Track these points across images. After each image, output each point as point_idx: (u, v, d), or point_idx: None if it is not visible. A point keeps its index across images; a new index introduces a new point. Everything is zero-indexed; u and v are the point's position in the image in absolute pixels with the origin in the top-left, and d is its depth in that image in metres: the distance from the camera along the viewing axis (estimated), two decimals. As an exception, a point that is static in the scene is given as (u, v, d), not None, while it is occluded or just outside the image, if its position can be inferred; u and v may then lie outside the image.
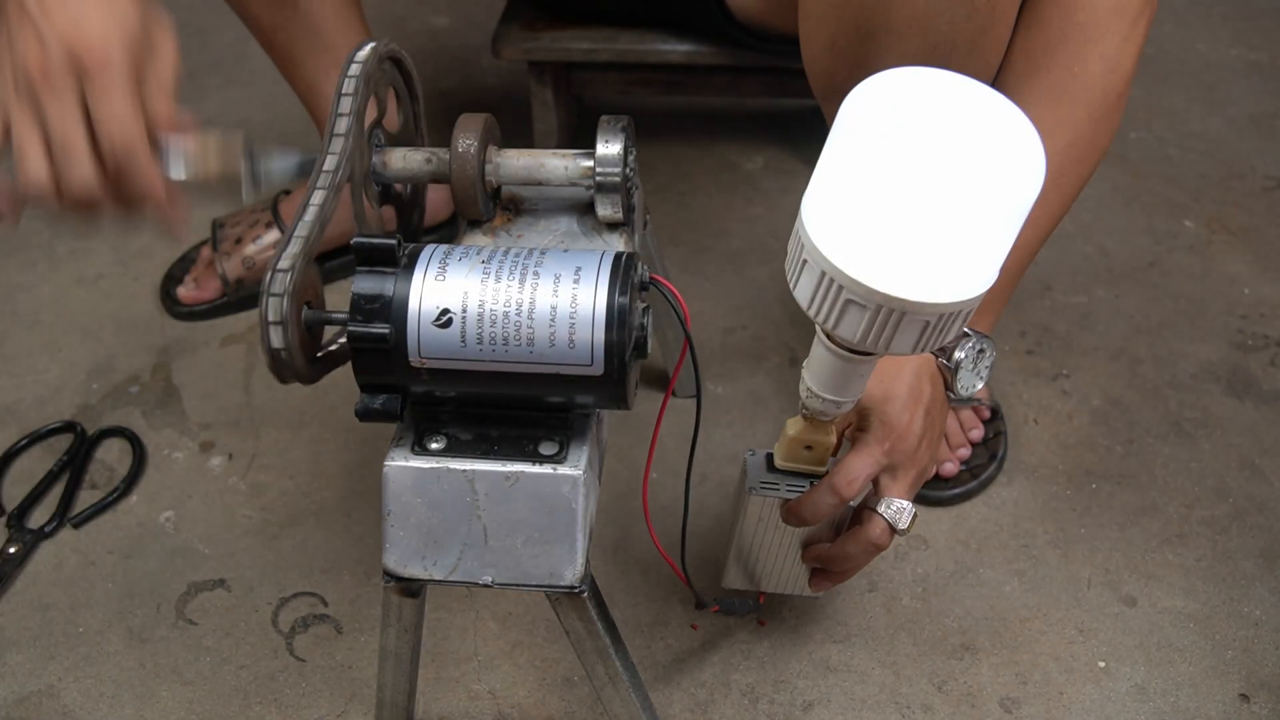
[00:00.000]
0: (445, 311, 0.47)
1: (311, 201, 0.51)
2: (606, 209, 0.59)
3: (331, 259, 1.07)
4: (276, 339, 0.48)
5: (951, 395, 0.69)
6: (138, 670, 0.74)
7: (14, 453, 0.90)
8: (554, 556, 0.51)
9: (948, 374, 0.68)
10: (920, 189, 0.41)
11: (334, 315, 0.51)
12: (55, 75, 0.48)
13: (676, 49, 1.07)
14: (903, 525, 0.62)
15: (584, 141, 1.06)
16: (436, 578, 0.52)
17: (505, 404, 0.51)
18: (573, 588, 0.51)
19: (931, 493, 0.84)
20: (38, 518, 0.84)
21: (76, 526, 0.84)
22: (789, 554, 0.68)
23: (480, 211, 0.60)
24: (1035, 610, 0.77)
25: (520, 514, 0.50)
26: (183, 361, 0.99)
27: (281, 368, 0.49)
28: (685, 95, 1.20)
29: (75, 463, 0.88)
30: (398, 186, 0.63)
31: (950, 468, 0.85)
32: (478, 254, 0.49)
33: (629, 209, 0.60)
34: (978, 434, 0.87)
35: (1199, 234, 1.13)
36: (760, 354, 0.99)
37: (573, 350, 0.47)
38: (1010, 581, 0.79)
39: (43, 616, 0.78)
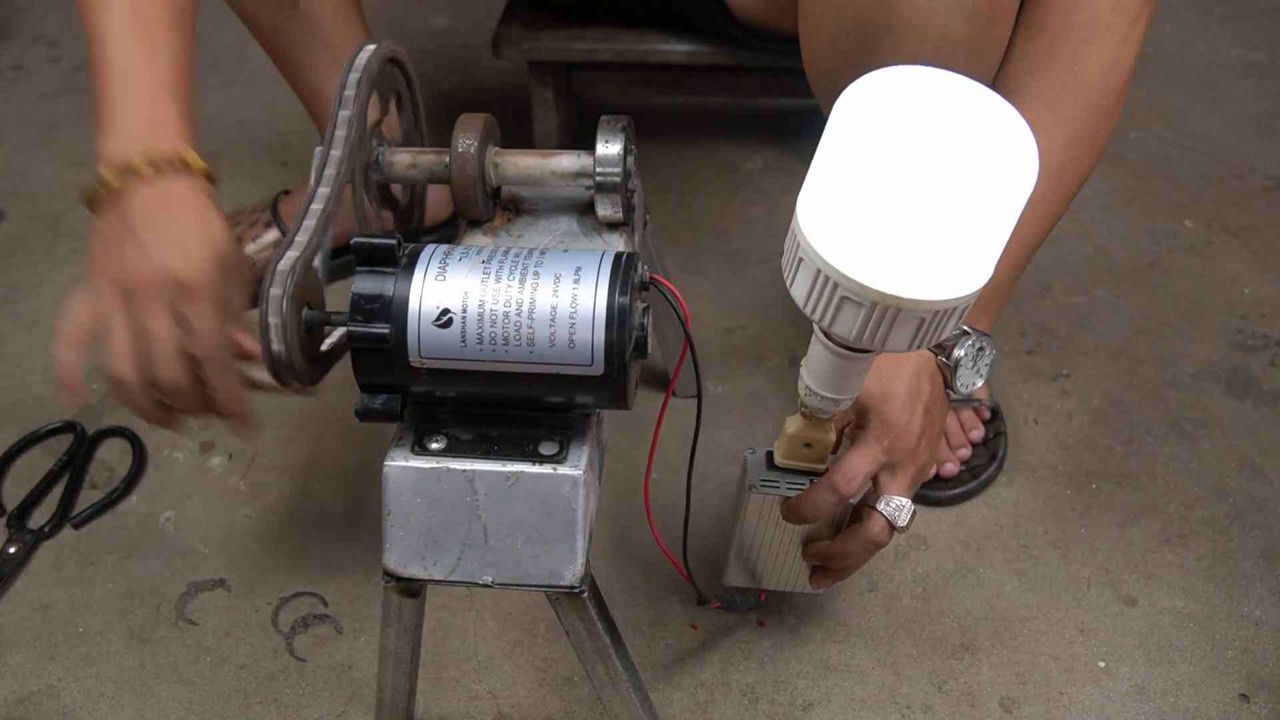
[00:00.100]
0: (445, 311, 0.47)
1: (313, 205, 0.51)
2: (606, 209, 0.59)
3: (332, 259, 1.07)
4: (276, 340, 0.48)
5: (951, 393, 0.70)
6: (138, 670, 0.74)
7: (14, 453, 0.90)
8: (554, 556, 0.51)
9: (947, 372, 0.69)
10: (914, 186, 0.42)
11: (334, 315, 0.51)
12: (157, 290, 0.55)
13: (676, 49, 1.07)
14: (902, 523, 0.62)
15: (584, 141, 1.06)
16: (436, 578, 0.52)
17: (505, 404, 0.51)
18: (573, 588, 0.51)
19: (932, 493, 0.84)
20: (38, 518, 0.84)
21: (76, 526, 0.84)
22: (789, 551, 0.68)
23: (480, 211, 0.60)
24: (1035, 610, 0.77)
25: (520, 514, 0.50)
26: (183, 361, 0.99)
27: (281, 368, 0.49)
28: (685, 95, 1.20)
29: (75, 463, 0.88)
30: (397, 187, 0.63)
31: (950, 468, 0.85)
32: (478, 254, 0.49)
33: (629, 209, 0.60)
34: (978, 434, 0.87)
35: (1199, 234, 1.13)
36: (760, 354, 0.99)
37: (573, 350, 0.47)
38: (1010, 581, 0.79)
39: (43, 616, 0.78)
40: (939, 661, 0.74)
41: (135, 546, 0.82)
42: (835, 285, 0.45)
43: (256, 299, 0.50)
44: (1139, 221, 1.15)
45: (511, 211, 0.62)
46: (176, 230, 0.56)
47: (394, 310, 0.48)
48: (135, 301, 0.55)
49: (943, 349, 0.67)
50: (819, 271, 0.45)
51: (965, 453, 0.86)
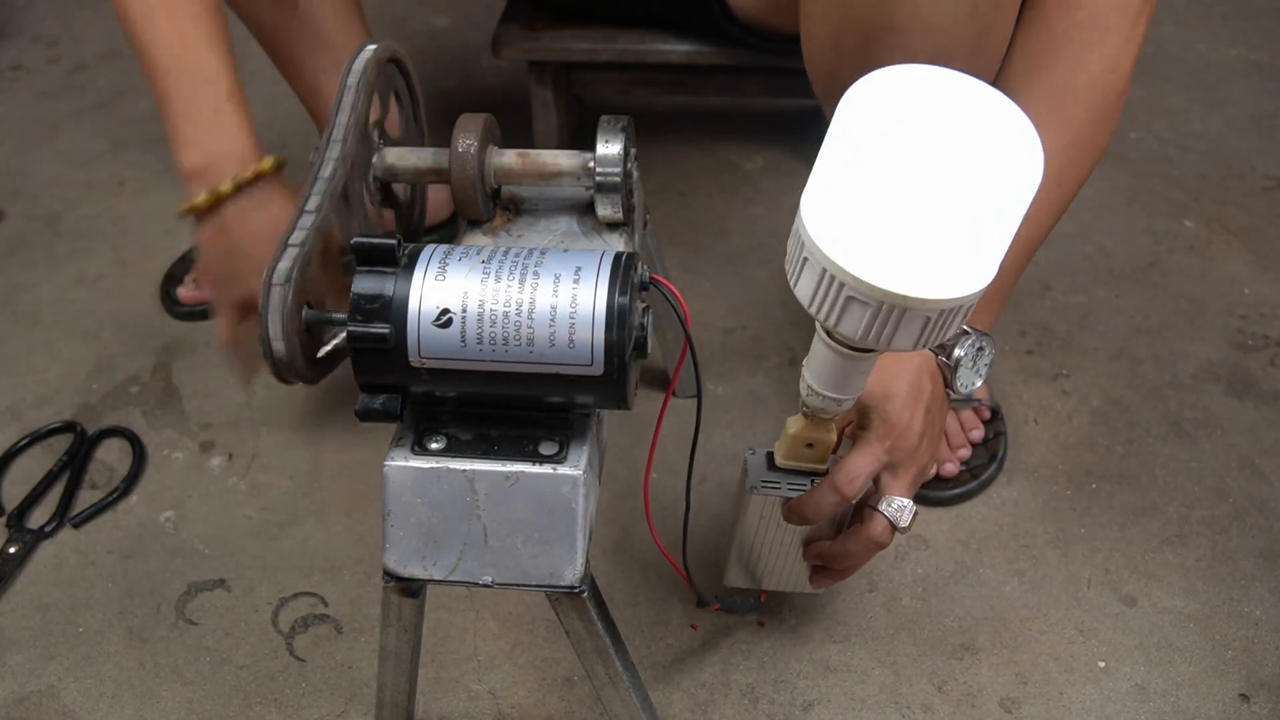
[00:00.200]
0: (445, 311, 0.47)
1: (308, 206, 0.51)
2: (606, 209, 0.59)
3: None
4: (277, 340, 0.48)
5: (951, 393, 0.70)
6: (138, 670, 0.74)
7: (14, 453, 0.90)
8: (554, 556, 0.51)
9: (947, 371, 0.68)
10: (920, 185, 0.41)
11: (334, 315, 0.51)
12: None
13: (676, 49, 1.07)
14: (904, 523, 0.62)
15: (584, 141, 1.06)
16: (436, 578, 0.52)
17: (505, 404, 0.51)
18: (573, 588, 0.51)
19: (932, 493, 0.84)
20: (38, 518, 0.84)
21: (76, 526, 0.84)
22: (790, 552, 0.68)
23: (480, 211, 0.60)
24: (1035, 610, 0.77)
25: (520, 514, 0.50)
26: (183, 361, 0.99)
27: (282, 368, 0.49)
28: (685, 95, 1.20)
29: (75, 463, 0.88)
30: (398, 186, 0.63)
31: (950, 468, 0.85)
32: (478, 254, 0.49)
33: (629, 209, 0.60)
34: (978, 434, 0.87)
35: (1199, 234, 1.13)
36: (760, 354, 0.99)
37: (573, 350, 0.47)
38: (1010, 581, 0.79)
39: (43, 616, 0.78)
40: (939, 661, 0.74)
41: (135, 546, 0.82)
42: (841, 285, 0.45)
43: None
44: (1139, 221, 1.15)
45: (511, 211, 0.62)
46: (265, 233, 0.69)
47: (394, 310, 0.48)
48: (246, 276, 0.71)
49: (943, 349, 0.67)
50: (824, 271, 0.45)
51: (965, 453, 0.86)
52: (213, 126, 0.70)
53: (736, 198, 1.18)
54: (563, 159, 0.60)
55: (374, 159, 0.59)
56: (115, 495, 0.85)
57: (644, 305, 0.50)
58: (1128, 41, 0.68)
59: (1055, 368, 0.97)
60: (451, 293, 0.48)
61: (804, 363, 0.56)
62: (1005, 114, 0.44)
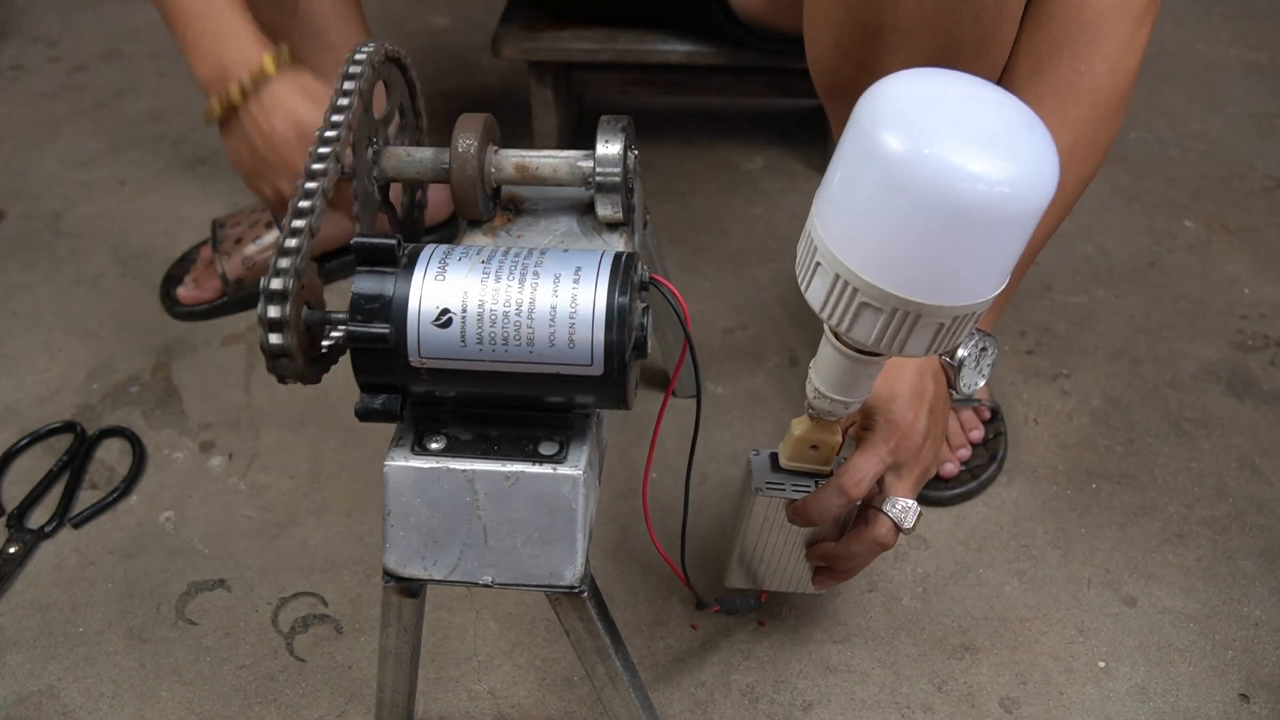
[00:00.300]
0: (445, 311, 0.47)
1: (302, 203, 0.51)
2: (606, 209, 0.59)
3: (331, 259, 1.07)
4: (276, 340, 0.48)
5: (954, 393, 0.69)
6: (138, 670, 0.74)
7: (14, 453, 0.90)
8: (554, 556, 0.51)
9: (950, 372, 0.68)
10: (935, 191, 0.41)
11: (334, 315, 0.51)
12: (286, 173, 0.79)
13: (677, 49, 1.07)
14: (908, 524, 0.62)
15: (584, 141, 1.05)
16: (436, 578, 0.52)
17: (505, 404, 0.51)
18: (573, 588, 0.51)
19: (932, 493, 0.84)
20: (38, 518, 0.84)
21: (76, 526, 0.84)
22: (793, 553, 0.68)
23: (480, 211, 0.60)
24: (1035, 610, 0.77)
25: (520, 514, 0.50)
26: (183, 361, 0.99)
27: (281, 369, 0.49)
28: (685, 95, 1.20)
29: (75, 463, 0.88)
30: (398, 186, 0.63)
31: (950, 468, 0.85)
32: (478, 254, 0.49)
33: (629, 209, 0.60)
34: (978, 434, 0.87)
35: (1199, 234, 1.13)
36: (760, 354, 0.99)
37: (573, 350, 0.47)
38: (1010, 581, 0.79)
39: (43, 616, 0.78)
40: (939, 661, 0.74)
41: (135, 546, 0.82)
42: (854, 290, 0.45)
43: (257, 297, 0.50)
44: (1139, 221, 1.15)
45: (511, 211, 0.62)
46: (280, 136, 0.76)
47: (394, 310, 0.48)
48: (273, 179, 0.78)
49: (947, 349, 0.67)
50: (837, 276, 0.45)
51: (965, 453, 0.86)
52: (218, 36, 0.75)
53: (736, 198, 1.18)
54: (563, 159, 0.60)
55: (374, 158, 0.59)
56: (115, 495, 0.85)
57: (644, 305, 0.50)
58: (1131, 43, 0.68)
59: (1055, 368, 0.97)
60: (451, 293, 0.48)
61: (811, 365, 0.56)
62: (1022, 119, 0.43)
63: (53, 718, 0.71)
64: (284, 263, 0.48)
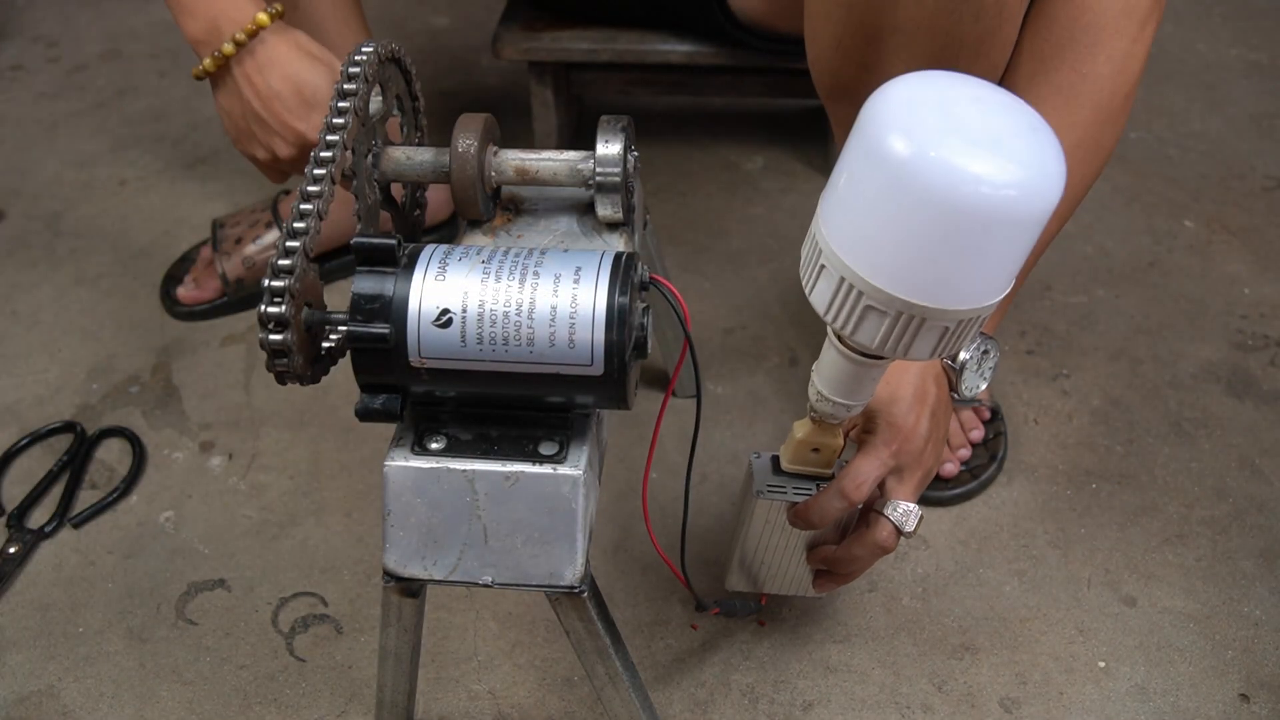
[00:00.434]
0: (445, 311, 0.47)
1: (304, 203, 0.51)
2: (606, 209, 0.59)
3: (331, 259, 1.07)
4: (277, 341, 0.48)
5: (955, 396, 0.69)
6: (138, 670, 0.74)
7: (14, 453, 0.90)
8: (554, 556, 0.51)
9: (952, 375, 0.68)
10: (942, 195, 0.41)
11: (334, 315, 0.51)
12: (278, 129, 0.77)
13: (677, 49, 1.07)
14: (909, 528, 0.62)
15: (584, 141, 1.05)
16: (436, 578, 0.52)
17: (505, 404, 0.51)
18: (573, 588, 0.51)
19: (932, 493, 0.84)
20: (38, 518, 0.84)
21: (76, 526, 0.84)
22: (794, 556, 0.68)
23: (480, 211, 0.60)
24: (1035, 610, 0.77)
25: (520, 514, 0.50)
26: (183, 361, 0.99)
27: (281, 367, 0.49)
28: (685, 95, 1.20)
29: (75, 463, 0.88)
30: (398, 186, 0.63)
31: (950, 468, 0.85)
32: (478, 254, 0.49)
33: (629, 209, 0.60)
34: (978, 434, 0.87)
35: (1199, 234, 1.13)
36: (760, 354, 0.99)
37: (573, 350, 0.47)
38: (1010, 581, 0.79)
39: (43, 616, 0.78)
40: (939, 661, 0.74)
41: (135, 546, 0.82)
42: (860, 293, 0.44)
43: (257, 297, 0.50)
44: (1139, 221, 1.15)
45: (511, 211, 0.62)
46: (274, 92, 0.74)
47: (394, 310, 0.48)
48: (265, 139, 0.77)
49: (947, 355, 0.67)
50: (842, 279, 0.45)
51: (965, 453, 0.86)
52: None
53: (736, 198, 1.18)
54: (563, 159, 0.60)
55: (374, 158, 0.59)
56: (115, 495, 0.85)
57: (644, 305, 0.50)
58: (1135, 44, 0.68)
59: (1055, 368, 0.97)
60: (451, 293, 0.48)
61: (813, 368, 0.56)
62: (1028, 122, 0.43)
63: (53, 718, 0.71)
64: (285, 263, 0.48)
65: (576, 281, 0.48)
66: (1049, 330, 1.01)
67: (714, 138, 1.28)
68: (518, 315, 0.47)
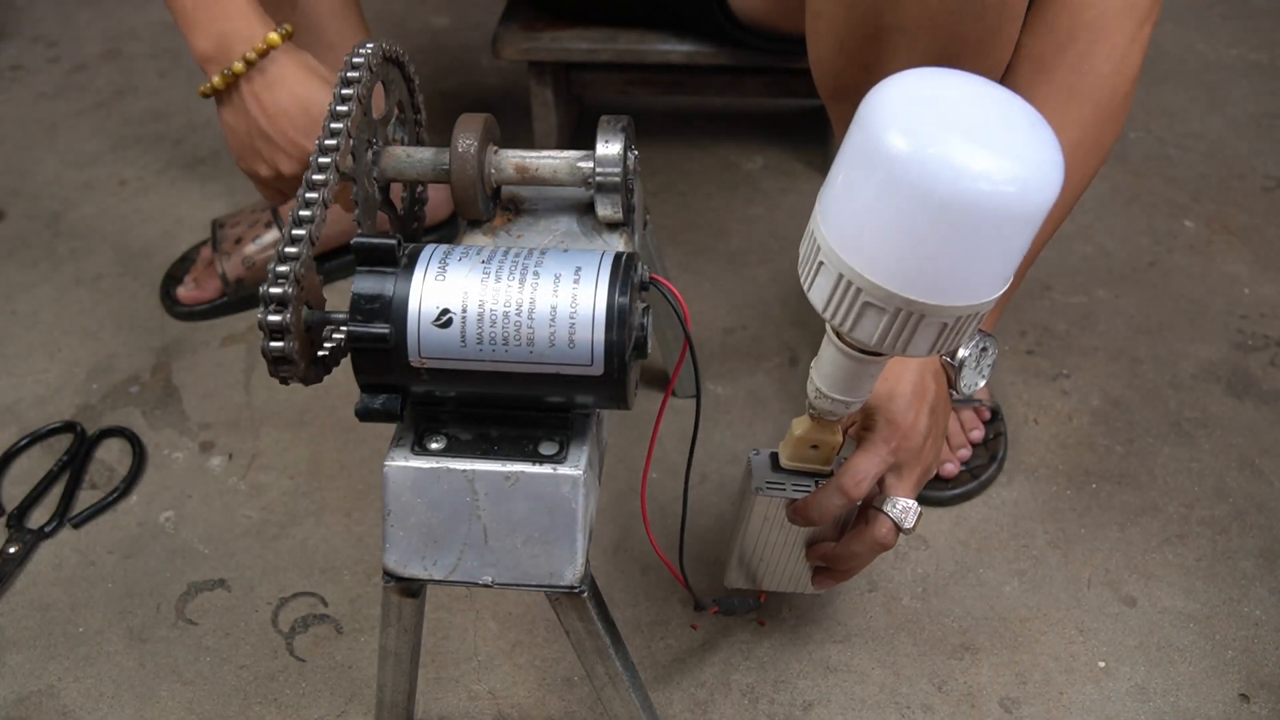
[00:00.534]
0: (445, 311, 0.47)
1: (304, 205, 0.51)
2: (606, 209, 0.59)
3: (331, 259, 1.07)
4: (277, 341, 0.48)
5: (954, 393, 0.69)
6: (138, 670, 0.74)
7: (14, 453, 0.90)
8: (554, 556, 0.51)
9: (951, 372, 0.68)
10: (940, 191, 0.41)
11: (334, 315, 0.51)
12: (283, 150, 0.78)
13: (677, 49, 1.07)
14: (909, 525, 0.62)
15: (584, 141, 1.05)
16: (436, 578, 0.52)
17: (505, 404, 0.51)
18: (573, 588, 0.51)
19: (932, 493, 0.84)
20: (38, 518, 0.84)
21: (76, 526, 0.84)
22: (793, 553, 0.68)
23: (480, 211, 0.60)
24: (1035, 610, 0.77)
25: (520, 514, 0.50)
26: (183, 361, 0.99)
27: (282, 369, 0.49)
28: (685, 95, 1.20)
29: (75, 463, 0.88)
30: (398, 186, 0.63)
31: (950, 468, 0.85)
32: (478, 254, 0.49)
33: (629, 209, 0.60)
34: (978, 435, 0.87)
35: (1199, 234, 1.13)
36: (760, 354, 0.99)
37: (573, 350, 0.47)
38: (1010, 581, 0.79)
39: (43, 616, 0.78)
40: (939, 661, 0.74)
41: (135, 546, 0.82)
42: (858, 290, 0.44)
43: (257, 297, 0.50)
44: (1139, 221, 1.15)
45: (511, 211, 0.62)
46: (281, 110, 0.75)
47: (394, 310, 0.48)
48: (270, 156, 0.77)
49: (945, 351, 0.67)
50: (841, 276, 0.45)
51: (965, 453, 0.86)
52: (218, 8, 0.73)
53: (736, 198, 1.18)
54: (563, 159, 0.60)
55: (374, 158, 0.59)
56: (115, 495, 0.85)
57: (644, 305, 0.50)
58: (1134, 43, 0.68)
59: (1055, 368, 0.97)
60: (451, 293, 0.48)
61: (812, 365, 0.56)
62: (1026, 118, 0.43)
63: (53, 718, 0.71)
64: (284, 267, 0.48)
65: (576, 281, 0.48)
66: (1049, 330, 1.01)
67: (714, 138, 1.28)
68: (518, 315, 0.47)
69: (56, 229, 1.16)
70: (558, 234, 0.61)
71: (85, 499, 0.86)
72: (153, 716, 0.71)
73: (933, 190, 0.41)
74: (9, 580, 0.80)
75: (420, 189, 0.67)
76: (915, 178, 0.41)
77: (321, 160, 0.53)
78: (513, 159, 0.60)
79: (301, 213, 0.51)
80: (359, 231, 0.51)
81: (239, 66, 0.73)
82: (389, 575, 0.52)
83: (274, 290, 0.47)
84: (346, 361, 0.51)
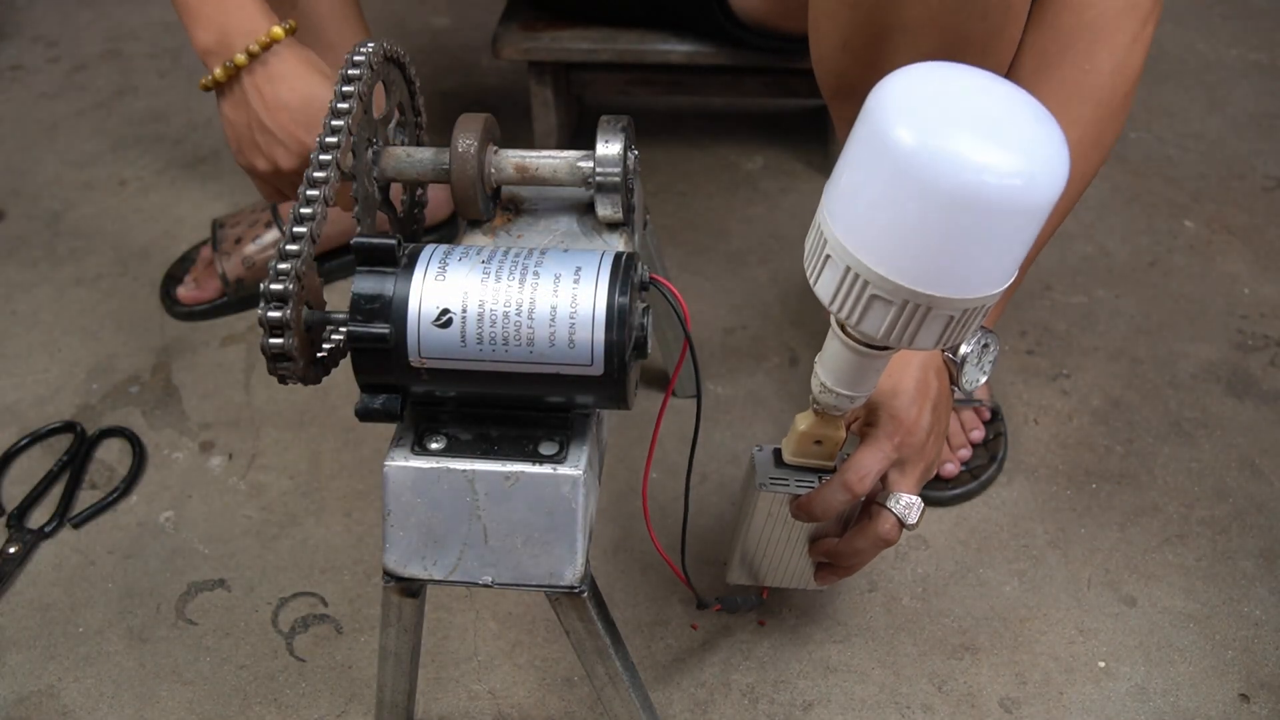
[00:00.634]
0: (445, 311, 0.47)
1: (305, 203, 0.51)
2: (606, 209, 0.59)
3: (331, 259, 1.07)
4: (276, 338, 0.48)
5: (956, 389, 0.69)
6: (138, 670, 0.74)
7: (14, 453, 0.90)
8: (554, 556, 0.51)
9: (953, 368, 0.68)
10: (947, 183, 0.41)
11: (334, 315, 0.51)
12: (282, 144, 0.77)
13: (677, 49, 1.07)
14: (912, 520, 0.62)
15: (584, 141, 1.05)
16: (436, 578, 0.52)
17: (505, 404, 0.51)
18: (573, 588, 0.51)
19: (932, 493, 0.84)
20: (38, 518, 0.84)
21: (76, 526, 0.84)
22: (796, 549, 0.68)
23: (480, 211, 0.60)
24: (1035, 610, 0.77)
25: (520, 514, 0.50)
26: (183, 361, 0.99)
27: (281, 367, 0.49)
28: (685, 95, 1.20)
29: (75, 463, 0.88)
30: (397, 186, 0.63)
31: (951, 468, 0.85)
32: (478, 254, 0.49)
33: (629, 209, 0.60)
34: (978, 435, 0.87)
35: (1199, 234, 1.13)
36: (760, 354, 0.99)
37: (573, 350, 0.47)
38: (1010, 581, 0.79)
39: (43, 616, 0.78)
40: (939, 661, 0.74)
41: (135, 546, 0.82)
42: (865, 283, 0.45)
43: (257, 297, 0.50)
44: (1139, 221, 1.15)
45: (511, 211, 0.62)
46: (283, 105, 0.74)
47: (394, 310, 0.48)
48: (269, 151, 0.76)
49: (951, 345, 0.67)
50: (848, 269, 0.45)
51: (965, 453, 0.86)
52: (221, 1, 0.73)
53: (736, 198, 1.18)
54: (562, 159, 0.60)
55: (374, 158, 0.59)
56: (115, 495, 0.85)
57: (644, 305, 0.50)
58: (1136, 42, 0.68)
59: (1055, 368, 0.97)
60: (451, 293, 0.48)
61: (816, 359, 0.56)
62: (1032, 112, 0.43)
63: (53, 718, 0.71)
64: (285, 264, 0.48)
65: (576, 281, 0.48)
66: (1049, 330, 1.01)
67: (714, 138, 1.28)
68: (518, 315, 0.47)
69: (56, 229, 1.16)
70: (558, 234, 0.61)
71: (85, 499, 0.86)
72: (153, 716, 0.71)
73: (939, 183, 0.41)
74: (9, 580, 0.80)
75: (420, 192, 0.67)
76: (922, 171, 0.41)
77: (323, 158, 0.53)
78: (513, 159, 0.60)
79: (303, 210, 0.51)
80: (359, 231, 0.51)
81: (241, 59, 0.73)
82: (389, 575, 0.52)
83: (275, 286, 0.47)
84: (346, 361, 0.51)
